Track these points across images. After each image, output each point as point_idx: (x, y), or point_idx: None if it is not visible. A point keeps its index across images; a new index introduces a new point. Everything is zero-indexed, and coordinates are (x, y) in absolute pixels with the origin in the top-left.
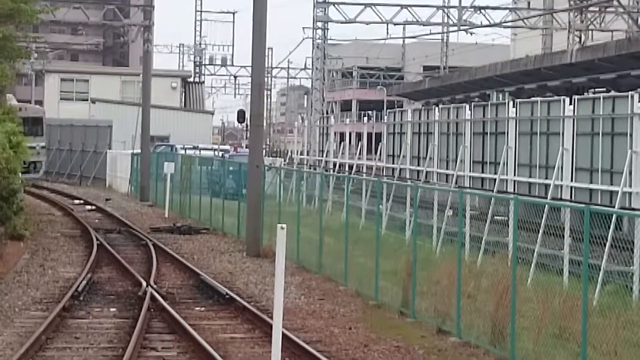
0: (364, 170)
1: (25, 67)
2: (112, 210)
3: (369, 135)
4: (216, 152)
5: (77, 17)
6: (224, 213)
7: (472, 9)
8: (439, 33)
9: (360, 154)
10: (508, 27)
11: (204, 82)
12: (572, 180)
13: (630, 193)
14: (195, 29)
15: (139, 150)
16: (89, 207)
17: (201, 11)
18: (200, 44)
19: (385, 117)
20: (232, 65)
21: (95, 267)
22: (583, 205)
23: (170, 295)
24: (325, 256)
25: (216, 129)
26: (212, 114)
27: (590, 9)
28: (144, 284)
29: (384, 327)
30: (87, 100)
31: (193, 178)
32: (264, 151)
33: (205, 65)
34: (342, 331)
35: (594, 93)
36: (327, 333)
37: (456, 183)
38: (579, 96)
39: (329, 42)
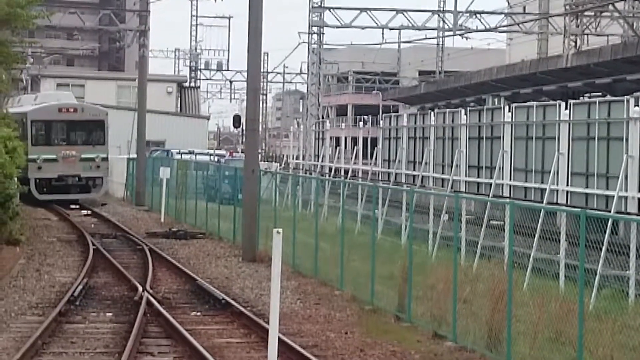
0: (360, 174)
1: (19, 73)
2: (108, 215)
3: (365, 140)
4: (212, 157)
5: (73, 22)
6: (219, 218)
7: (468, 14)
8: (434, 38)
9: (355, 158)
10: (503, 31)
11: (199, 87)
12: (567, 185)
13: (625, 197)
14: (190, 33)
15: (135, 155)
16: (84, 212)
17: (197, 16)
18: (195, 48)
19: (381, 122)
20: (228, 70)
21: (92, 272)
22: (579, 209)
23: (167, 300)
24: (321, 261)
25: (212, 133)
26: (208, 118)
27: (586, 13)
28: (140, 288)
29: (380, 332)
30: None
31: (189, 183)
32: (259, 156)
33: (200, 70)
34: (338, 336)
35: (589, 97)
36: (323, 338)
37: (452, 187)
38: (574, 101)
39: (325, 46)
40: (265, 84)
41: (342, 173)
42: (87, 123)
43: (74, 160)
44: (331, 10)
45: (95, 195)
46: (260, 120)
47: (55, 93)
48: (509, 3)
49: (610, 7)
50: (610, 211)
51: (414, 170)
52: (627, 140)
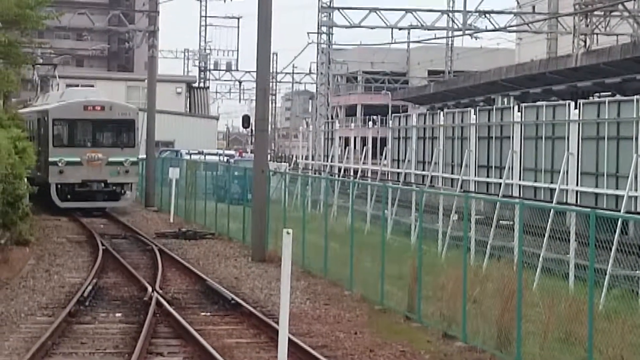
0: (369, 174)
1: (30, 73)
2: (117, 215)
3: (374, 139)
4: (221, 157)
5: (82, 22)
6: (229, 218)
7: (477, 14)
8: (443, 37)
9: (365, 158)
10: (513, 31)
11: (208, 87)
12: (577, 185)
13: (636, 197)
14: (200, 34)
15: (144, 156)
16: (94, 212)
17: (206, 16)
18: (205, 49)
19: (390, 122)
20: (237, 70)
21: (101, 273)
22: (589, 209)
23: (176, 301)
24: (330, 261)
25: (221, 134)
26: (217, 119)
27: (596, 13)
28: (150, 289)
29: (390, 332)
30: None
31: (198, 183)
32: (268, 156)
33: (210, 70)
34: (348, 336)
35: (599, 97)
36: (333, 338)
37: (461, 187)
38: (584, 100)
39: (334, 47)
40: (274, 84)
41: (352, 173)
42: (116, 123)
43: (100, 164)
44: (340, 10)
45: (124, 204)
46: (270, 120)
47: (83, 89)
48: (518, 3)
49: (620, 6)
50: (620, 211)
51: (424, 170)
52: (637, 139)
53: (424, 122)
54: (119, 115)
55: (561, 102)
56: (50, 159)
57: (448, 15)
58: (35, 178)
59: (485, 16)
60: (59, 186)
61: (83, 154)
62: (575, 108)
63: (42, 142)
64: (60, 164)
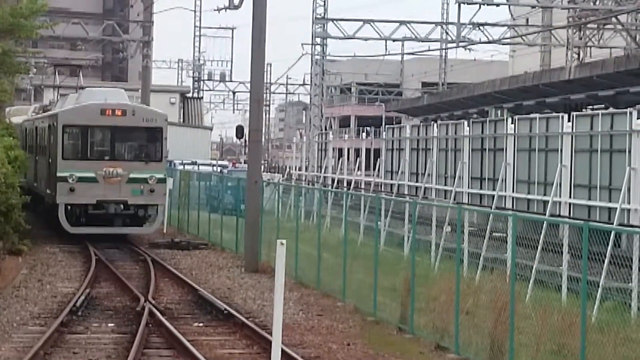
0: (363, 186)
1: (24, 82)
2: None
3: (368, 151)
4: (215, 168)
5: (77, 32)
6: (222, 228)
7: (471, 26)
8: (437, 49)
9: (358, 169)
10: (507, 43)
11: (202, 97)
12: (570, 197)
13: (628, 210)
14: (194, 44)
15: None
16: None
17: (200, 27)
18: (199, 59)
19: (384, 133)
20: (231, 80)
21: (94, 283)
22: (581, 221)
23: (169, 311)
24: (323, 272)
25: (215, 144)
26: (211, 129)
27: (589, 26)
28: (142, 299)
29: (383, 343)
30: None
31: (191, 193)
32: (262, 167)
33: (204, 80)
34: (341, 347)
35: (592, 110)
36: (326, 349)
37: (455, 199)
38: (577, 113)
39: (328, 58)
40: (268, 94)
41: (345, 184)
42: (140, 131)
43: (119, 181)
44: (334, 21)
45: (149, 231)
46: (263, 131)
47: (104, 90)
48: (512, 15)
49: (613, 19)
50: (612, 223)
51: (417, 181)
52: (629, 152)
53: (418, 134)
54: (143, 121)
55: (554, 114)
56: (58, 174)
57: (442, 27)
58: (45, 197)
59: (479, 28)
60: (69, 207)
61: (99, 168)
62: (569, 120)
63: (50, 153)
64: (70, 181)
